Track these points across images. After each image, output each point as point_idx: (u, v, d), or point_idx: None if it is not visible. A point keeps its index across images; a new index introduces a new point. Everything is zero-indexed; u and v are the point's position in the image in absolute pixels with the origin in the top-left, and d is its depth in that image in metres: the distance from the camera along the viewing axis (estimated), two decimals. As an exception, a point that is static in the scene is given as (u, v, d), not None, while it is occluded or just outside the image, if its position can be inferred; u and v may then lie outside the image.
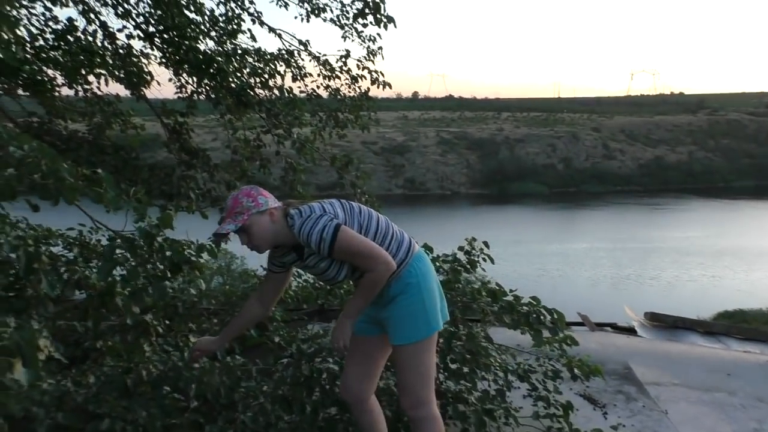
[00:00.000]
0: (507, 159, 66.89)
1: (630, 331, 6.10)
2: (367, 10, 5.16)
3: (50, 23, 4.93)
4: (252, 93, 5.23)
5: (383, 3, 5.09)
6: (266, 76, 5.33)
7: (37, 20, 4.98)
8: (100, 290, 2.90)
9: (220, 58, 5.10)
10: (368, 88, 6.06)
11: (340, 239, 2.21)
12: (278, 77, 5.47)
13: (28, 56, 4.96)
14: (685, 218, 51.52)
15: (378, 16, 5.15)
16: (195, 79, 5.22)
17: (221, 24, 5.54)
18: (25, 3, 4.70)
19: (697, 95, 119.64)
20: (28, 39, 4.97)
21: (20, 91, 5.03)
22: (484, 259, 3.84)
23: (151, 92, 5.64)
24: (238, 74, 5.33)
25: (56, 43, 4.96)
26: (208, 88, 5.23)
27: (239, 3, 5.62)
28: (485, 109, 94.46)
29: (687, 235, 43.86)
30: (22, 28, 4.73)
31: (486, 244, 3.85)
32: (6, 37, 2.55)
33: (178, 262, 2.58)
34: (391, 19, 5.18)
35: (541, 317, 3.50)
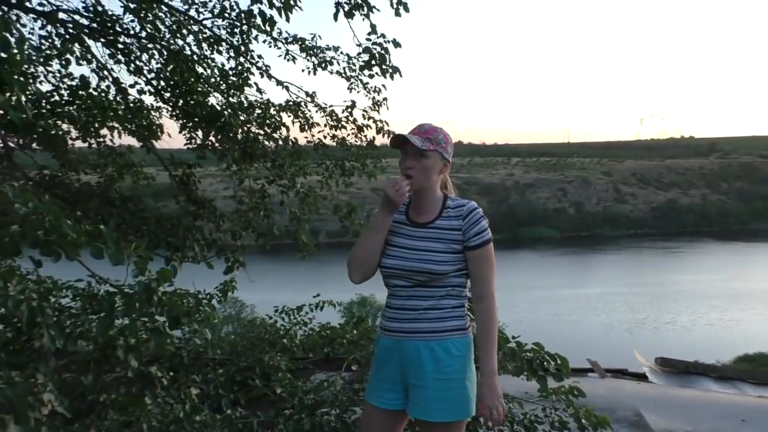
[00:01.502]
0: (518, 203, 66.98)
1: (641, 377, 6.00)
2: (373, 62, 5.27)
3: (65, 80, 5.10)
4: (257, 144, 5.34)
5: (389, 54, 5.21)
6: (271, 128, 5.45)
7: (53, 77, 5.15)
8: (102, 343, 2.92)
9: (227, 111, 5.23)
10: (374, 137, 6.16)
11: (491, 245, 2.29)
12: (283, 129, 5.58)
13: (44, 111, 5.14)
14: (701, 261, 50.98)
15: (384, 66, 5.26)
16: (202, 131, 5.35)
17: (232, 78, 5.71)
18: (40, 60, 4.87)
19: (708, 139, 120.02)
20: (45, 95, 5.16)
21: (35, 145, 5.17)
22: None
23: (162, 143, 5.80)
24: (246, 126, 5.46)
25: (71, 99, 5.13)
26: (214, 140, 5.35)
27: (248, 57, 5.79)
28: (495, 155, 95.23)
29: (703, 278, 43.32)
30: (39, 85, 4.90)
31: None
32: (16, 98, 2.65)
33: (176, 316, 2.60)
34: (396, 70, 5.28)
35: (545, 363, 3.47)
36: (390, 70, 5.16)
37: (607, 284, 42.14)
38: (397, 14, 4.77)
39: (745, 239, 60.06)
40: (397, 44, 5.06)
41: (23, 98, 2.73)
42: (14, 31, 2.77)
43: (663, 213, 70.18)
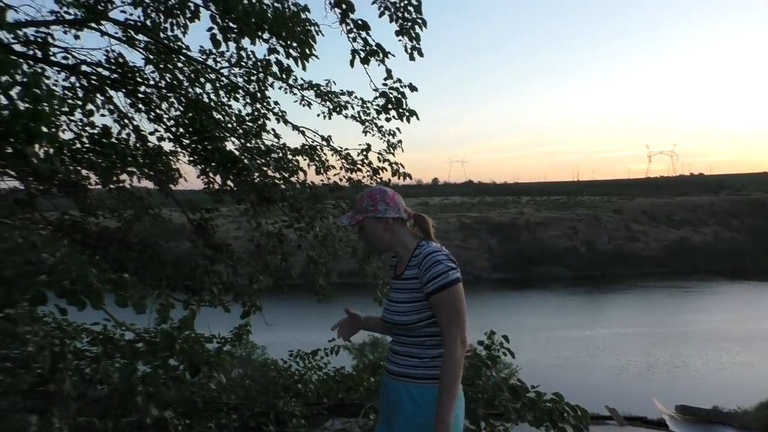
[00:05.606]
0: (529, 242, 66.73)
1: (661, 425, 5.88)
2: (390, 105, 5.36)
3: (87, 128, 5.21)
4: (275, 188, 5.41)
5: (405, 98, 5.30)
6: (288, 172, 5.53)
7: (75, 125, 5.26)
8: (122, 390, 2.92)
9: (245, 156, 5.32)
10: (389, 179, 6.22)
11: (452, 290, 2.25)
12: (300, 173, 5.66)
13: (66, 159, 5.25)
14: (712, 301, 50.25)
15: (401, 110, 5.35)
16: (220, 176, 5.43)
17: (248, 123, 5.83)
18: (65, 110, 4.99)
19: (716, 176, 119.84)
20: (66, 143, 5.26)
21: (55, 191, 5.26)
22: (504, 354, 3.82)
23: (179, 186, 5.88)
24: (263, 169, 5.54)
25: (92, 146, 5.24)
26: (232, 184, 5.43)
27: (264, 104, 5.92)
28: (505, 194, 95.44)
29: (713, 318, 42.59)
30: (61, 134, 5.01)
31: (506, 338, 3.84)
32: (44, 150, 2.73)
33: (197, 365, 2.61)
34: (413, 113, 5.35)
35: (565, 414, 3.43)
36: (407, 114, 5.25)
37: (618, 325, 41.58)
38: (412, 59, 4.90)
39: (757, 278, 59.28)
40: (413, 88, 5.16)
41: (51, 150, 2.82)
42: (43, 86, 2.86)
43: (675, 251, 69.62)
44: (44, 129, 2.69)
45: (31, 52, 4.69)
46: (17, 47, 4.45)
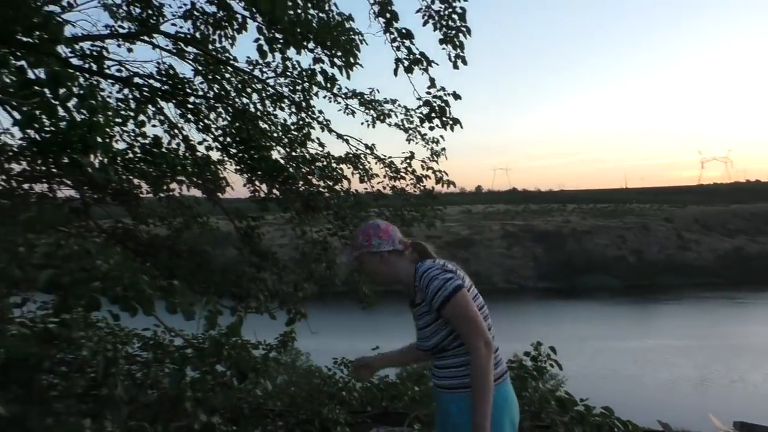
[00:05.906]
0: (575, 251, 65.41)
1: (717, 441, 5.65)
2: (433, 114, 5.35)
3: (139, 138, 5.37)
4: (319, 197, 5.47)
5: (449, 106, 5.28)
6: (332, 180, 5.58)
7: (128, 136, 5.43)
8: (172, 395, 2.98)
9: (291, 164, 5.39)
10: (433, 187, 6.20)
11: (456, 299, 2.27)
12: (344, 181, 5.70)
13: (119, 168, 5.42)
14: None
15: (444, 118, 5.33)
16: (266, 184, 5.52)
17: (293, 132, 5.91)
18: (119, 120, 5.15)
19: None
20: (119, 153, 5.44)
21: (109, 200, 5.43)
22: (551, 365, 3.74)
23: (226, 194, 6.00)
24: (308, 178, 5.61)
25: (143, 156, 5.40)
26: (278, 193, 5.51)
27: (309, 113, 5.99)
28: (550, 202, 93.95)
29: (770, 331, 40.78)
30: (114, 144, 5.17)
31: (553, 349, 3.76)
32: (99, 160, 2.82)
33: (244, 371, 2.65)
34: (456, 121, 5.33)
35: (615, 429, 3.33)
36: (450, 122, 5.22)
37: (670, 337, 40.26)
38: (455, 67, 4.88)
39: (820, 289, 56.47)
40: (457, 96, 5.14)
41: (105, 160, 2.91)
42: (98, 98, 2.96)
43: (729, 261, 67.10)
44: (99, 139, 2.79)
45: (87, 65, 4.87)
46: (74, 61, 4.62)
